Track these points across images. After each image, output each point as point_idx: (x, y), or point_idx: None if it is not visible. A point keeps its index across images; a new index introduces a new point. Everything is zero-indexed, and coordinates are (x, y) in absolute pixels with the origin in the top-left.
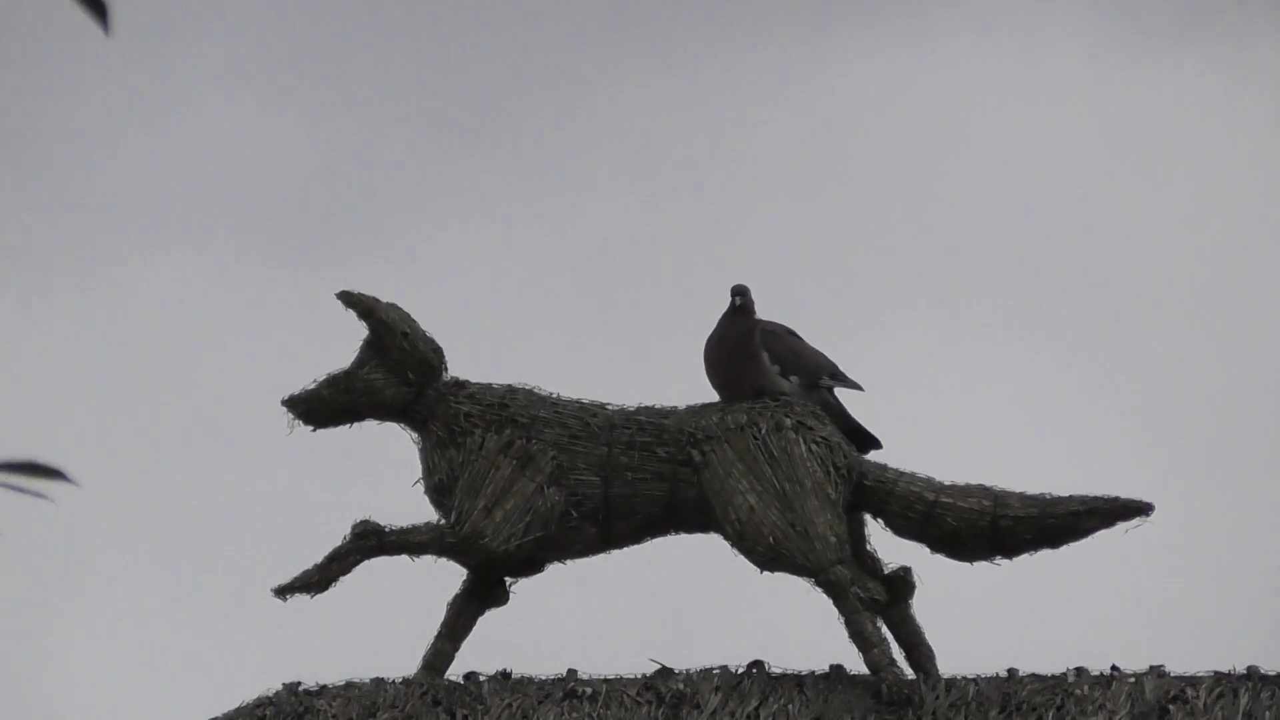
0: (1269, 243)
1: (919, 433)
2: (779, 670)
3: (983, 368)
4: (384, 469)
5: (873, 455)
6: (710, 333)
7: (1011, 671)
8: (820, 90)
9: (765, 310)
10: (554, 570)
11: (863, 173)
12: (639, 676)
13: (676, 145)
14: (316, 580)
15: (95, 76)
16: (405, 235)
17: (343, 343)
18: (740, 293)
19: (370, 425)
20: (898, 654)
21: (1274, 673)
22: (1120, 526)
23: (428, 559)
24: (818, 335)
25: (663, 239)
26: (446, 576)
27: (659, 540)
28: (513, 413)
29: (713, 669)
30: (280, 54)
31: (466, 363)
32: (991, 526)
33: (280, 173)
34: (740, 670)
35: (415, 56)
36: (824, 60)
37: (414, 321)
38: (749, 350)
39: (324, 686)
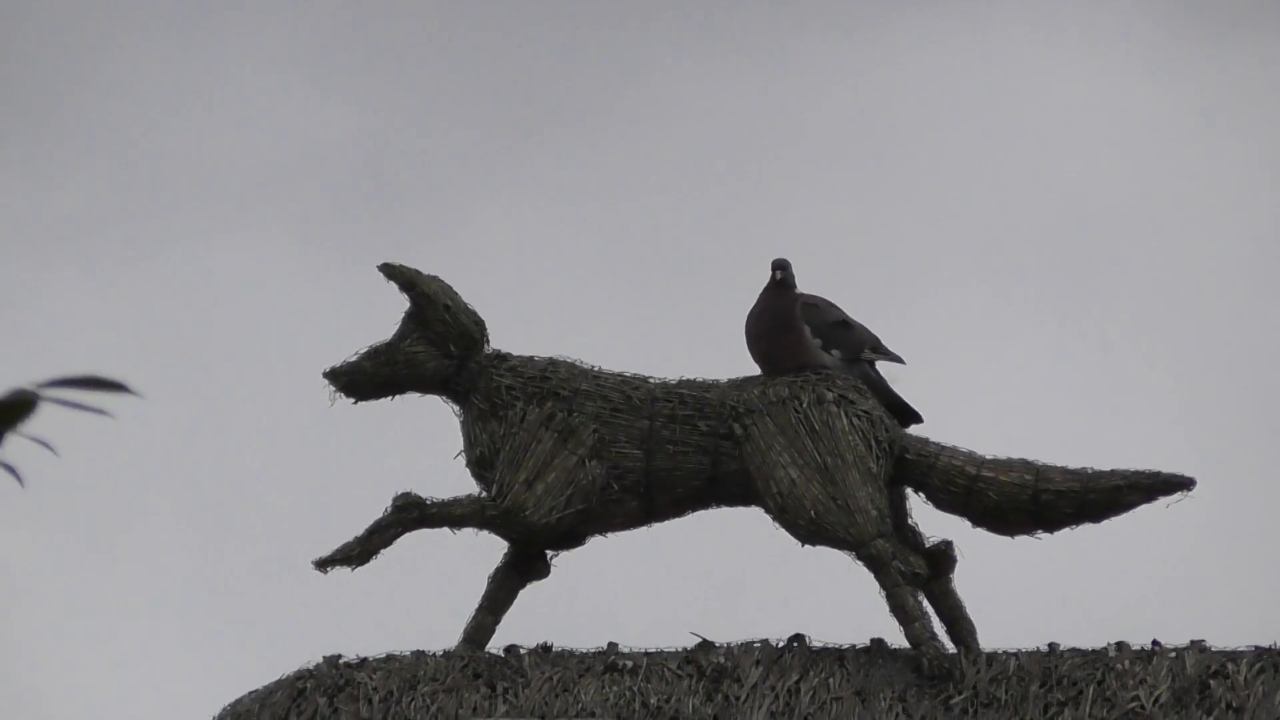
0: None
1: (961, 407)
2: (820, 644)
3: (1025, 343)
4: (425, 442)
5: (914, 429)
6: (752, 307)
7: (1052, 646)
8: (873, 71)
9: (811, 285)
10: (595, 543)
11: (913, 153)
12: (680, 650)
13: (727, 123)
14: (358, 553)
15: (152, 56)
16: (457, 214)
17: (391, 320)
18: (781, 266)
19: (411, 398)
20: (939, 628)
21: None
22: (1162, 501)
23: (469, 532)
24: (862, 309)
25: (712, 216)
26: (487, 549)
27: (700, 513)
28: (554, 385)
29: (754, 642)
30: (334, 35)
31: (517, 339)
32: (1033, 501)
33: (335, 152)
34: (781, 644)
35: (467, 37)
36: (877, 42)
37: (456, 294)
38: (790, 324)
39: (364, 659)
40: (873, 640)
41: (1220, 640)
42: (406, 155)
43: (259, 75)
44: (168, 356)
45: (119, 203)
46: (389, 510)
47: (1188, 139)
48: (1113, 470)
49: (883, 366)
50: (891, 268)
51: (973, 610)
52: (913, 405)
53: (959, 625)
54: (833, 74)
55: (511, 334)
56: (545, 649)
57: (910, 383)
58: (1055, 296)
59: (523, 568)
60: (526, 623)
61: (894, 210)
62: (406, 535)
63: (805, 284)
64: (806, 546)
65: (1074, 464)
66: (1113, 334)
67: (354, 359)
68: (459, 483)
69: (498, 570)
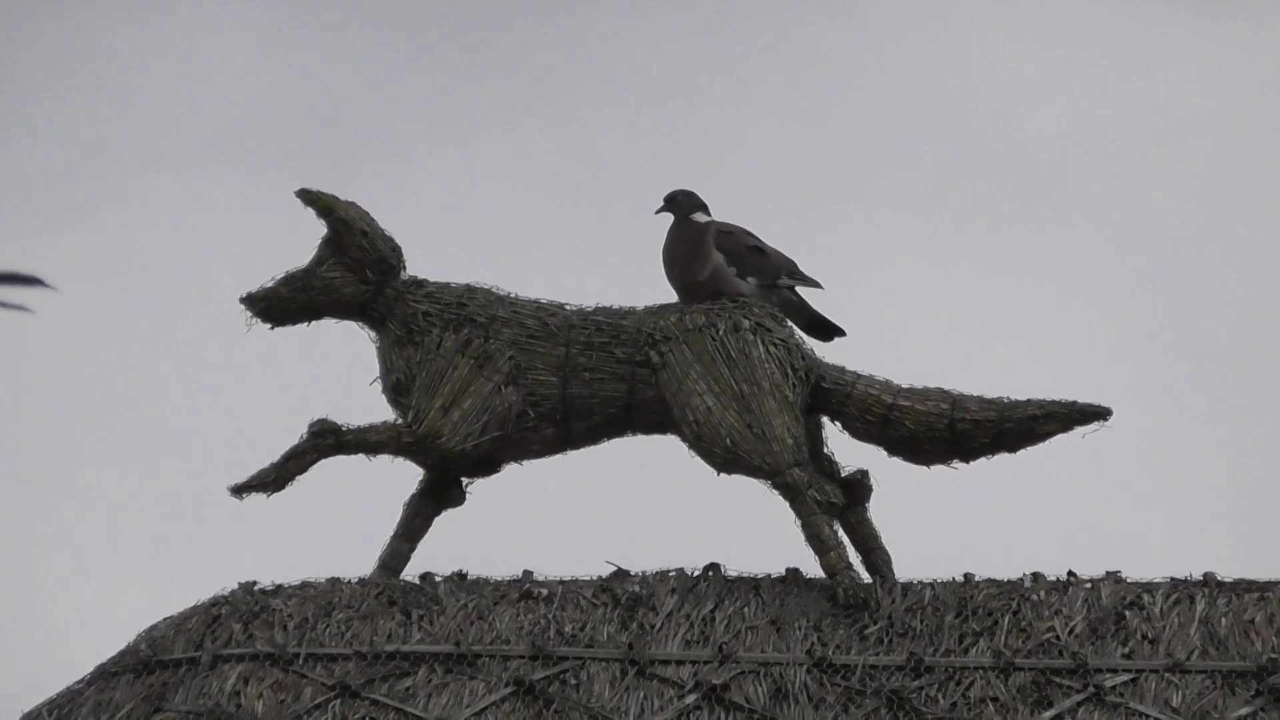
0: (1239, 159)
1: (882, 335)
2: (735, 573)
3: (947, 272)
4: (341, 368)
5: (836, 349)
6: (665, 237)
7: (968, 576)
8: (811, 3)
9: (745, 213)
10: (510, 471)
11: (850, 87)
12: (595, 578)
13: (674, 58)
14: (273, 479)
15: (101, 10)
16: (405, 159)
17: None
18: (667, 199)
19: (328, 323)
20: (854, 557)
21: (1230, 579)
22: (1078, 431)
23: (385, 458)
24: (792, 235)
25: (661, 149)
26: (403, 476)
27: (616, 441)
28: (470, 312)
29: (669, 571)
30: None
31: (464, 278)
32: (949, 430)
33: (282, 103)
34: (696, 573)
35: None
36: None
37: (373, 220)
38: (703, 252)
39: (280, 586)
40: (788, 569)
41: (1136, 571)
42: (353, 102)
43: (206, 27)
44: (103, 297)
45: (69, 159)
46: (305, 436)
47: (1119, 75)
48: (1029, 400)
49: (805, 292)
50: (824, 197)
51: (888, 540)
52: (835, 321)
53: (875, 554)
54: (773, 7)
55: (460, 270)
56: (460, 576)
57: (833, 309)
58: (978, 228)
59: (438, 495)
60: (442, 550)
61: (830, 142)
62: (322, 461)
63: (738, 212)
64: (722, 475)
65: (992, 393)
66: (1033, 264)
67: (270, 284)
68: (375, 409)
69: (413, 497)
